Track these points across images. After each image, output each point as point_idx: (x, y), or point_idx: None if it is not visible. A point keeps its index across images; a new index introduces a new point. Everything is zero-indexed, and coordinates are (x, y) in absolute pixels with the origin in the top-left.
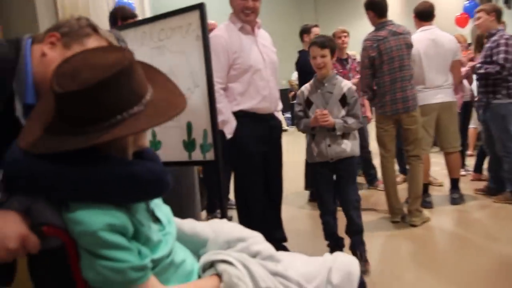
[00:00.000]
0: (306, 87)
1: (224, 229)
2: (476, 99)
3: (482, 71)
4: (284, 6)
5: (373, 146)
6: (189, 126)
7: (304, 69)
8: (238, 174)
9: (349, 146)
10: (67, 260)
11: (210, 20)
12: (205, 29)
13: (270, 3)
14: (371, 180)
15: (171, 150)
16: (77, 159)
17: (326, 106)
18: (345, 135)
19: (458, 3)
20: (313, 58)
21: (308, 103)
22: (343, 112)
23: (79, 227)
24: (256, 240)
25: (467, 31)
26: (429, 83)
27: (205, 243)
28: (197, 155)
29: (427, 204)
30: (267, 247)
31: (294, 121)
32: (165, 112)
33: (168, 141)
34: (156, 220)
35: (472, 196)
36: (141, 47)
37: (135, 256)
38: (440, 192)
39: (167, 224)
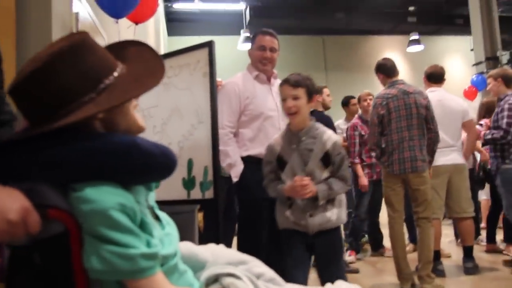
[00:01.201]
0: (276, 140)
1: (223, 252)
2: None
3: (489, 137)
4: (295, 66)
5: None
6: (189, 163)
7: None
8: (242, 219)
9: (335, 214)
10: (68, 247)
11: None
12: (213, 66)
13: (282, 74)
14: (377, 246)
15: (169, 188)
16: (73, 139)
17: (305, 168)
18: (330, 201)
19: (467, 76)
20: (282, 100)
21: (280, 162)
22: (325, 174)
23: (89, 205)
24: (257, 263)
25: (475, 104)
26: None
27: (203, 266)
28: (196, 193)
29: (440, 272)
30: (268, 270)
31: (263, 181)
32: (141, 81)
33: (167, 179)
34: (156, 218)
35: (488, 267)
36: None
37: (144, 244)
38: (451, 262)
39: (166, 224)
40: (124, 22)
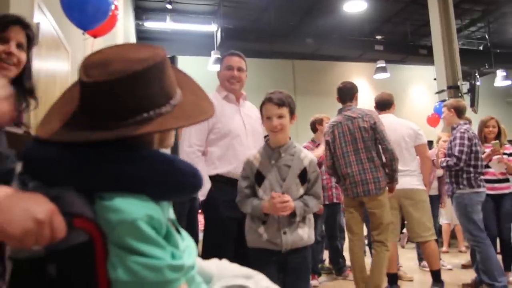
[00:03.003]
0: (255, 156)
1: (227, 267)
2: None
3: (444, 164)
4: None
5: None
6: None
7: None
8: (207, 238)
9: (306, 233)
10: (92, 258)
11: None
12: None
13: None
14: (339, 269)
15: None
16: (106, 149)
17: (283, 184)
18: (302, 219)
19: (430, 104)
20: (267, 118)
21: (258, 178)
22: (301, 191)
23: (118, 215)
24: (261, 277)
25: (438, 130)
26: None
27: (209, 279)
28: None
29: None
30: (273, 285)
31: (237, 197)
32: (193, 115)
33: None
34: (176, 231)
35: None
36: None
37: (169, 256)
38: (414, 285)
39: (186, 236)
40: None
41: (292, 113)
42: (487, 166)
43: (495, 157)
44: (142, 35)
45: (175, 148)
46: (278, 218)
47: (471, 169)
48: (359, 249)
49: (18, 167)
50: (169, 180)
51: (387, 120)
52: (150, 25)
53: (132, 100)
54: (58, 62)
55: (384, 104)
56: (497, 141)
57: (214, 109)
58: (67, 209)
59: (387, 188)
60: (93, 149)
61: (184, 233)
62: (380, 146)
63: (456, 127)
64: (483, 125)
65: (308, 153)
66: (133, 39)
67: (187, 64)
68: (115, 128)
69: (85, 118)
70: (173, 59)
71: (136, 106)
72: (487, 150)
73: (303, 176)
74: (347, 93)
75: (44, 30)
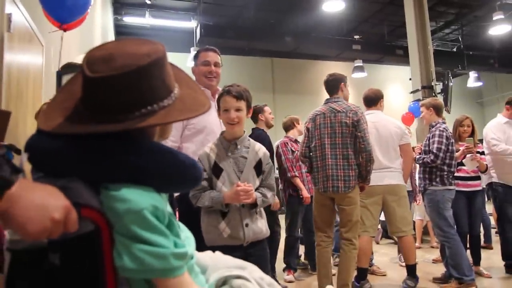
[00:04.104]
0: (211, 148)
1: (221, 258)
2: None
3: (420, 161)
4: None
5: None
6: None
7: None
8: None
9: (264, 225)
10: (98, 246)
11: None
12: None
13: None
14: (315, 265)
15: None
16: (112, 141)
17: (240, 175)
18: (258, 211)
19: (405, 103)
20: (224, 111)
21: (216, 170)
22: (257, 182)
23: (125, 204)
24: (255, 268)
25: (413, 129)
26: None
27: (204, 270)
28: None
29: None
30: (266, 276)
31: (190, 192)
32: (194, 108)
33: None
34: None
35: (424, 287)
36: None
37: (172, 245)
38: (391, 281)
39: (184, 228)
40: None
41: (249, 107)
42: (461, 164)
43: (468, 155)
44: (120, 30)
45: None
46: (239, 210)
47: (445, 167)
48: (325, 244)
49: (24, 157)
50: (173, 172)
51: (377, 117)
52: (129, 20)
53: (136, 93)
54: (31, 55)
55: (372, 100)
56: (471, 138)
57: (210, 102)
58: (74, 199)
59: (357, 186)
60: (98, 141)
61: (181, 225)
62: (358, 145)
63: (435, 125)
64: (458, 124)
65: (262, 146)
66: (111, 34)
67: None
68: (121, 121)
69: (89, 112)
70: None
71: (140, 99)
72: (461, 148)
73: (259, 168)
74: (332, 85)
75: (16, 21)
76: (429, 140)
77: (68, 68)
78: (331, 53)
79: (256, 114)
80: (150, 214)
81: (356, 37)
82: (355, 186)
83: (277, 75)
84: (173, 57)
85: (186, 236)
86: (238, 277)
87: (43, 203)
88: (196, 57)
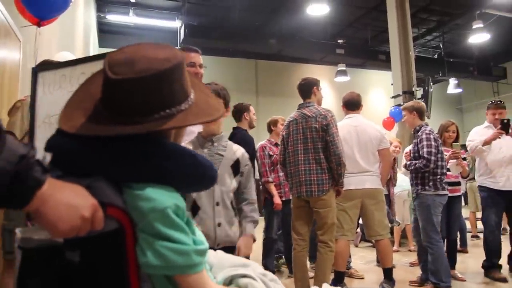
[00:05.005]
0: (187, 146)
1: (224, 256)
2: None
3: (412, 167)
4: (227, 87)
5: None
6: None
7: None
8: None
9: (237, 232)
10: (122, 244)
11: None
12: None
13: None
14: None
15: None
16: (134, 142)
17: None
18: (235, 215)
19: (387, 108)
20: None
21: None
22: (234, 183)
23: (150, 203)
24: (257, 265)
25: (393, 133)
26: (352, 169)
27: (210, 268)
28: None
29: None
30: (269, 272)
31: None
32: (208, 112)
33: None
34: None
35: None
36: (58, 90)
37: (192, 242)
38: (369, 284)
39: (196, 229)
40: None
41: (226, 105)
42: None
43: (453, 160)
44: (103, 27)
45: None
46: (213, 208)
47: (438, 171)
48: (301, 248)
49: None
50: (193, 172)
51: (357, 121)
52: (112, 18)
53: (158, 96)
54: (8, 50)
55: (353, 104)
56: (458, 143)
57: (223, 106)
58: (99, 198)
59: (332, 190)
60: (122, 141)
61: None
62: (328, 149)
63: (420, 129)
64: (444, 129)
65: (241, 148)
66: (94, 31)
67: None
68: (142, 122)
69: (110, 113)
70: None
71: (161, 102)
72: (447, 154)
73: (236, 168)
74: (305, 90)
75: None
76: (417, 145)
77: (44, 65)
78: (315, 57)
79: (241, 112)
80: (172, 212)
81: (340, 41)
82: (330, 190)
83: (261, 77)
84: None
85: (199, 233)
86: (244, 276)
87: (72, 202)
88: None
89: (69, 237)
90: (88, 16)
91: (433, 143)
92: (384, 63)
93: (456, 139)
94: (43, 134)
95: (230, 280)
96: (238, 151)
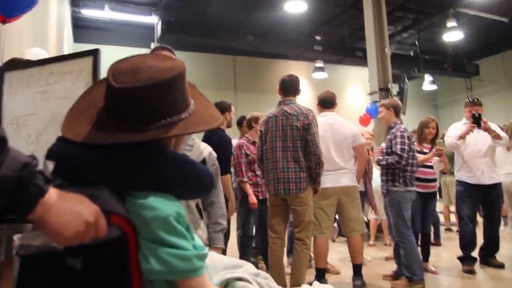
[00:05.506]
0: None
1: (217, 258)
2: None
3: (384, 162)
4: (205, 84)
5: None
6: None
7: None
8: None
9: (205, 233)
10: (125, 251)
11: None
12: (96, 77)
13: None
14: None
15: None
16: (137, 151)
17: None
18: (201, 217)
19: (364, 104)
20: None
21: None
22: None
23: (152, 212)
24: (250, 266)
25: (369, 129)
26: (328, 166)
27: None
28: None
29: None
30: (262, 271)
31: None
32: (207, 121)
33: None
34: None
35: (375, 284)
36: (26, 90)
37: (192, 247)
38: (342, 278)
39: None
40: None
41: None
42: (429, 166)
43: (436, 158)
44: (78, 23)
45: None
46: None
47: (408, 168)
48: (277, 246)
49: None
50: (193, 180)
51: (332, 119)
52: (87, 13)
53: (159, 105)
54: None
55: (328, 102)
56: (442, 140)
57: (221, 116)
58: (102, 206)
59: (310, 188)
60: (124, 150)
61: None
62: (308, 148)
63: (394, 126)
64: (424, 125)
65: (208, 147)
66: (68, 26)
67: (125, 55)
68: (144, 130)
69: (113, 122)
70: (95, 53)
71: (162, 111)
72: (426, 150)
73: None
74: (290, 87)
75: None
76: (391, 142)
77: (11, 65)
78: (293, 53)
79: (222, 112)
80: (174, 220)
81: (318, 38)
82: (307, 188)
83: (239, 73)
84: (133, 53)
85: (197, 238)
86: (239, 279)
87: (75, 208)
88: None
89: (73, 245)
90: (62, 11)
91: (406, 141)
92: (361, 59)
93: (436, 136)
94: (11, 136)
95: (225, 284)
96: (205, 150)
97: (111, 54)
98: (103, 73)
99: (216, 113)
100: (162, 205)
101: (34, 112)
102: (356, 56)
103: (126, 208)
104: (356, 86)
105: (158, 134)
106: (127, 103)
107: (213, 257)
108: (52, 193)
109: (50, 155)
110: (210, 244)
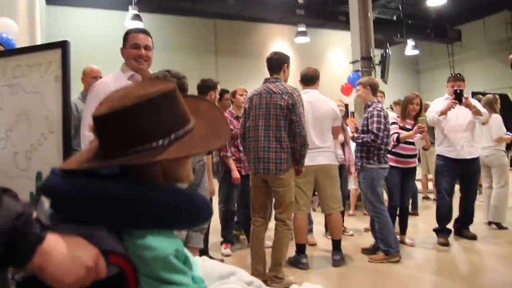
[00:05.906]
0: None
1: (211, 265)
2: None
3: (359, 140)
4: (185, 61)
5: None
6: (39, 177)
7: None
8: None
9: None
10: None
11: (93, 66)
12: (66, 70)
13: (170, 56)
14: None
15: None
16: (131, 185)
17: None
18: None
19: (344, 73)
20: None
21: None
22: None
23: (152, 252)
24: (244, 273)
25: (351, 99)
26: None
27: None
28: None
29: (302, 266)
30: (255, 279)
31: None
32: (201, 145)
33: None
34: None
35: (354, 258)
36: None
37: (191, 280)
38: (320, 252)
39: (187, 250)
40: None
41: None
42: (410, 143)
43: (418, 135)
44: None
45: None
46: None
47: (383, 146)
48: (260, 224)
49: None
50: (192, 213)
51: (313, 97)
52: None
53: (132, 130)
54: None
55: (309, 79)
56: (424, 118)
57: (229, 131)
58: (100, 246)
59: (291, 169)
60: (111, 187)
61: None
62: (293, 129)
63: (371, 105)
64: (408, 101)
65: None
66: None
67: (102, 19)
68: (127, 154)
69: (102, 150)
70: (64, 45)
71: (134, 136)
72: (408, 126)
73: None
74: (275, 65)
75: None
76: (367, 120)
77: None
78: (274, 17)
79: (208, 89)
80: (174, 258)
81: (300, 1)
82: (288, 169)
83: (220, 38)
84: (109, 15)
85: (193, 261)
86: None
87: (75, 254)
88: (125, 38)
89: None
90: None
91: (382, 120)
92: (344, 24)
93: (420, 112)
94: None
95: None
96: None
97: (86, 17)
98: (74, 65)
99: (224, 127)
100: (161, 245)
101: (1, 107)
102: (339, 20)
103: (125, 247)
104: (338, 50)
105: (137, 159)
106: (101, 130)
107: (205, 264)
108: (50, 239)
109: (44, 191)
110: (188, 242)
